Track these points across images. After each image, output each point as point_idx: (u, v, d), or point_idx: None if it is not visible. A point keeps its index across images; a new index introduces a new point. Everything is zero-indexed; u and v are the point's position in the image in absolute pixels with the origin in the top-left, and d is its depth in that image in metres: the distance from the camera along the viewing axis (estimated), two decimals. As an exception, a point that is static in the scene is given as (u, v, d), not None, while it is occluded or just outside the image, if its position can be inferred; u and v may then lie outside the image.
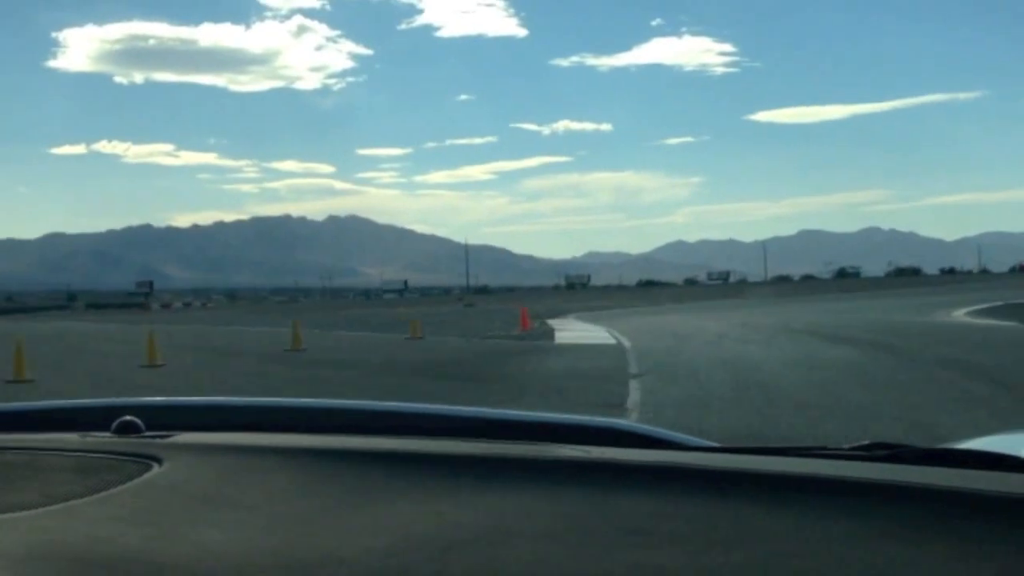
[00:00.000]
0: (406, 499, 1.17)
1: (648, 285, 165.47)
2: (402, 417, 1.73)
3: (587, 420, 1.66)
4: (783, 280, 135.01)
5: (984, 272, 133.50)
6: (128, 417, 1.50)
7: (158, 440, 1.44)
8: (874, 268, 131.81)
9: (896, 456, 1.30)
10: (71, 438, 1.48)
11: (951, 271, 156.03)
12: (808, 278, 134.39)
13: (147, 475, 1.26)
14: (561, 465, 1.30)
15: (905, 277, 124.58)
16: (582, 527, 1.07)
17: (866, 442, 1.36)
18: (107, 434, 1.48)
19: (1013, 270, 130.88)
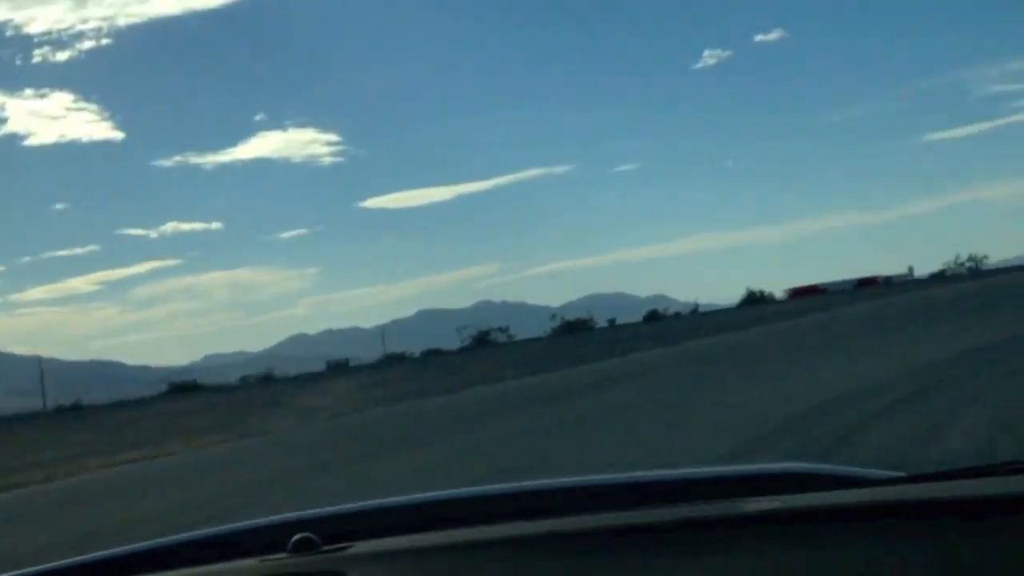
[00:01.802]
0: None
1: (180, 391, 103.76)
2: (570, 492, 1.60)
3: (758, 468, 1.56)
4: (396, 359, 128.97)
5: (612, 324, 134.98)
6: (303, 534, 1.45)
7: (338, 554, 1.40)
8: (501, 336, 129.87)
9: None
10: (249, 564, 1.45)
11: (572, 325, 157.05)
12: (434, 352, 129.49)
13: None
14: (761, 519, 1.24)
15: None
16: None
17: None
18: (284, 555, 1.43)
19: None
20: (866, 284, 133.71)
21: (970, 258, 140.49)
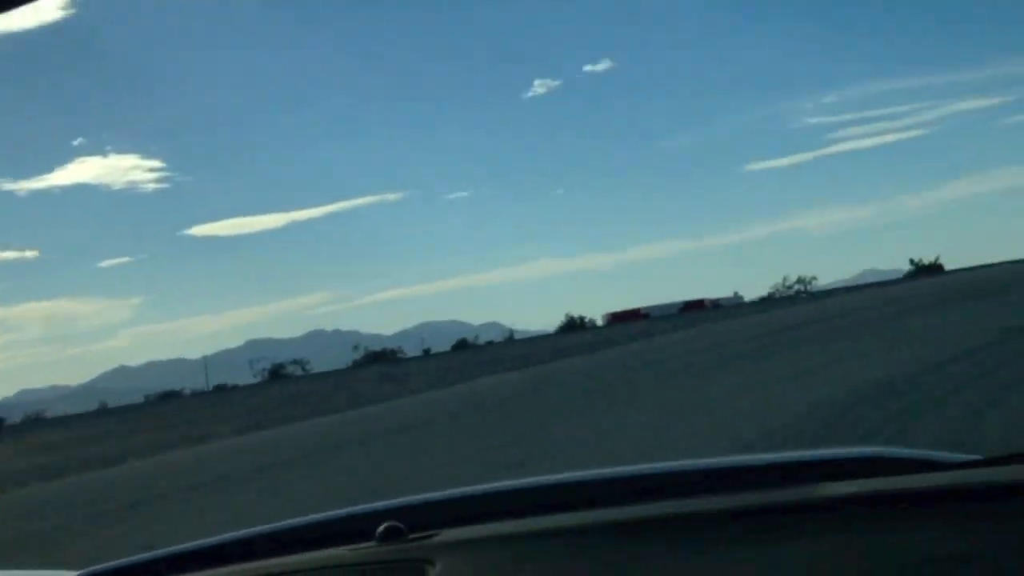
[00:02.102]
0: (693, 566, 1.16)
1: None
2: (649, 480, 1.60)
3: (835, 453, 1.54)
4: (224, 389, 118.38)
5: (426, 353, 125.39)
6: (391, 523, 1.47)
7: (425, 542, 1.41)
8: (322, 365, 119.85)
9: None
10: (337, 553, 1.46)
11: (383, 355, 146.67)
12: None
13: None
14: (839, 503, 1.25)
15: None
16: (883, 565, 1.06)
17: None
18: (372, 543, 1.45)
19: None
20: (692, 308, 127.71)
21: (799, 280, 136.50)
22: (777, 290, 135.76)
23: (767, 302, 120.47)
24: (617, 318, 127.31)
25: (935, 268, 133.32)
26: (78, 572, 1.66)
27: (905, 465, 1.40)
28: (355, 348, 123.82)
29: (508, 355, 65.89)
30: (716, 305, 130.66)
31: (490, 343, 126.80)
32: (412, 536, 1.44)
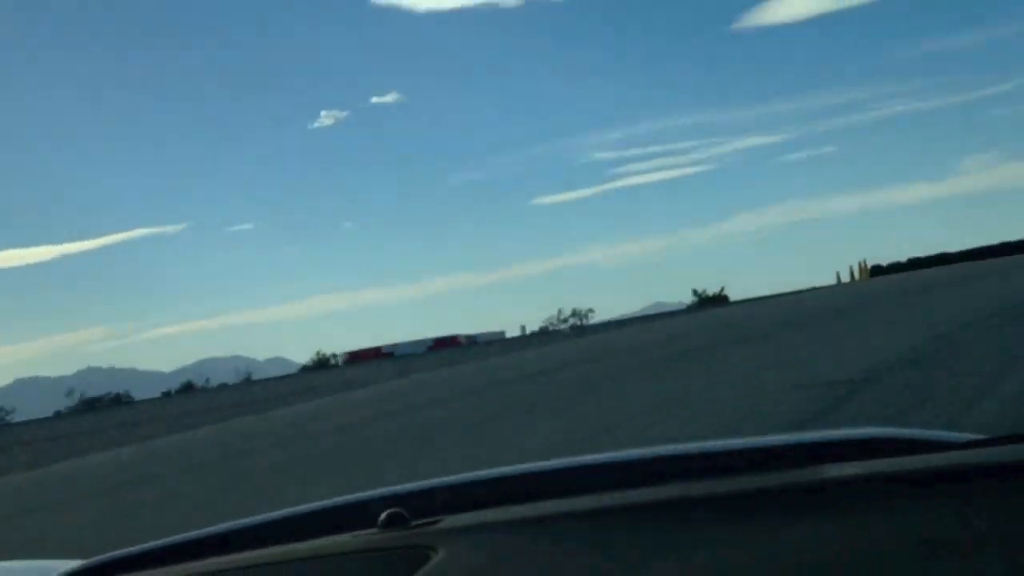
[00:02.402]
0: (697, 549, 1.16)
1: None
2: (643, 464, 1.60)
3: (838, 435, 1.54)
4: None
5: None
6: (393, 509, 1.45)
7: (428, 528, 1.40)
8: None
9: None
10: (340, 540, 1.45)
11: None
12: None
13: (425, 568, 1.25)
14: (839, 485, 1.26)
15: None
16: (885, 546, 1.05)
17: None
18: (375, 530, 1.44)
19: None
20: (444, 345, 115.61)
21: (574, 313, 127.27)
22: (551, 324, 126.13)
23: (540, 336, 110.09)
24: (355, 357, 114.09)
25: (719, 299, 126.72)
26: (80, 562, 1.65)
27: (906, 446, 1.39)
28: (68, 394, 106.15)
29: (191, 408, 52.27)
30: (473, 342, 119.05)
31: (224, 385, 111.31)
32: (415, 523, 1.42)
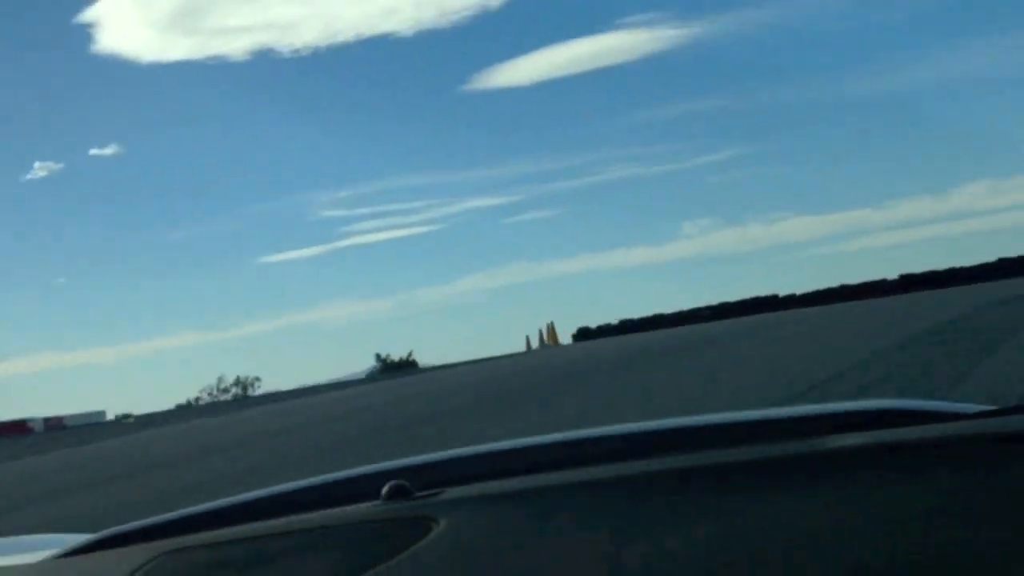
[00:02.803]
0: (700, 519, 1.16)
1: None
2: (651, 436, 1.61)
3: (842, 406, 1.53)
4: None
5: None
6: (397, 481, 1.46)
7: (431, 500, 1.42)
8: None
9: None
10: (344, 512, 1.46)
11: None
12: None
13: (428, 538, 1.27)
14: (848, 454, 1.25)
15: None
16: (894, 515, 1.06)
17: None
18: (379, 502, 1.45)
19: None
20: (10, 430, 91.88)
21: (237, 382, 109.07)
22: (209, 393, 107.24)
23: (185, 411, 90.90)
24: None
25: (406, 364, 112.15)
26: (92, 535, 1.66)
27: (916, 417, 1.40)
28: None
29: None
30: (59, 425, 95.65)
31: None
32: (418, 495, 1.44)
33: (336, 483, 1.66)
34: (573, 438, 1.64)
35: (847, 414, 1.48)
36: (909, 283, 70.81)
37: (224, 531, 1.52)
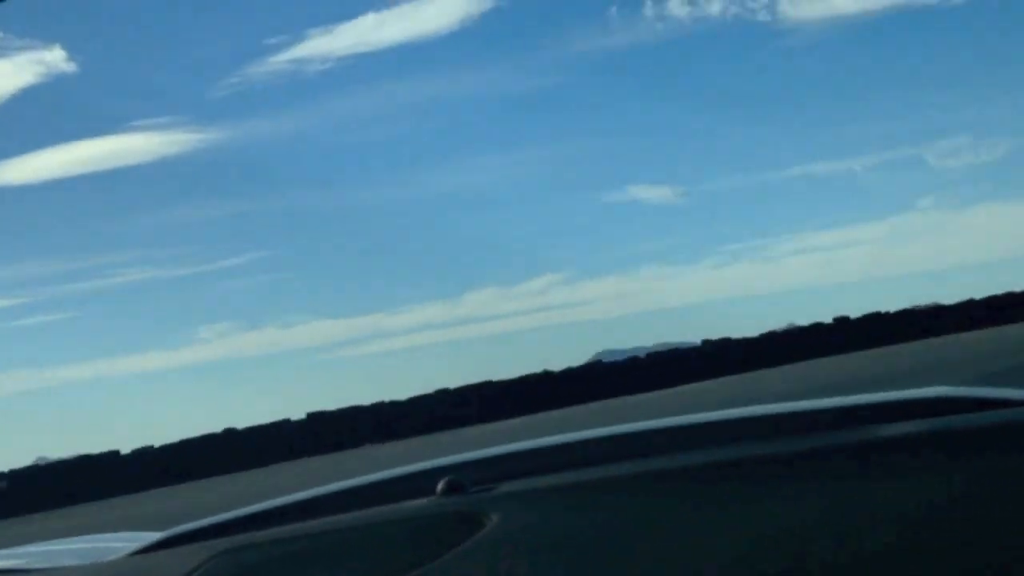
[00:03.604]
0: (757, 509, 1.17)
1: None
2: (702, 428, 1.59)
3: (897, 395, 1.50)
4: None
5: None
6: (451, 477, 1.47)
7: (484, 494, 1.43)
8: None
9: None
10: (399, 508, 1.48)
11: None
12: None
13: (481, 533, 1.28)
14: (903, 443, 1.25)
15: None
16: (948, 503, 1.07)
17: None
18: (433, 498, 1.47)
19: None
20: None
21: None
22: None
23: None
24: None
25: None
26: (160, 534, 1.70)
27: (973, 405, 1.37)
28: None
29: None
30: None
31: None
32: (473, 489, 1.45)
33: (391, 480, 1.66)
34: (626, 432, 1.62)
35: (902, 403, 1.45)
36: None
37: (282, 528, 1.52)
